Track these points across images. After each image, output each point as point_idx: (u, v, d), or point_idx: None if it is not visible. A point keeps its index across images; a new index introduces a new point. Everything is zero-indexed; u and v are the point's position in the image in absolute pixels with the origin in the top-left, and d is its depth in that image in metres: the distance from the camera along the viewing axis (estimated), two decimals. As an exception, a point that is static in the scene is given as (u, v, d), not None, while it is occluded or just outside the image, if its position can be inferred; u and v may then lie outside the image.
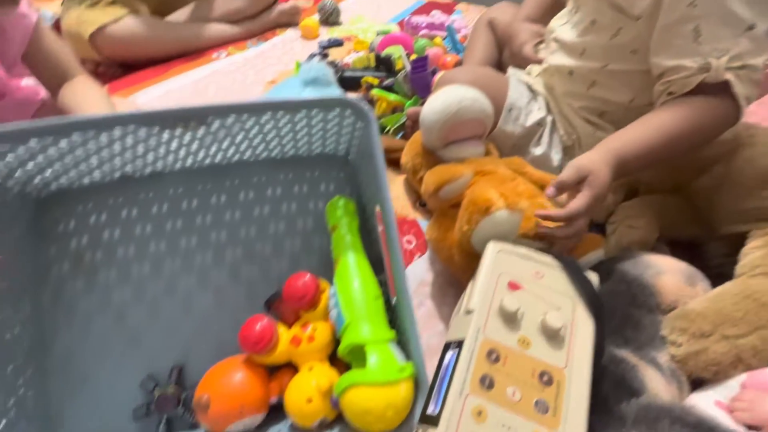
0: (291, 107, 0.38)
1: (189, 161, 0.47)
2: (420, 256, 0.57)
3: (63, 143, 0.37)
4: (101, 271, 0.45)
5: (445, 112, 0.55)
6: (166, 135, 0.40)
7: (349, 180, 0.51)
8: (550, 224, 0.43)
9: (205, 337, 0.45)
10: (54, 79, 0.62)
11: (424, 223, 0.62)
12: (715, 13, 0.46)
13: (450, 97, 0.55)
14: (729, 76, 0.45)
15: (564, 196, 0.49)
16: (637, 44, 0.55)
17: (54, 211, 0.45)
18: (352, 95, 0.89)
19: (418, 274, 0.55)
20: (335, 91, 0.61)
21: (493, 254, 0.39)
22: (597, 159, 0.44)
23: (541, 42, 0.71)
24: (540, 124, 0.65)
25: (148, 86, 0.88)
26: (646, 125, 0.48)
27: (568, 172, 0.44)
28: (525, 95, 0.66)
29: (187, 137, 0.41)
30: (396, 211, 0.64)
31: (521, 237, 0.45)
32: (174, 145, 0.42)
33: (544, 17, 0.71)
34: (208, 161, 0.47)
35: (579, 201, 0.42)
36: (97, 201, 0.46)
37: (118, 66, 0.92)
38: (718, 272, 0.47)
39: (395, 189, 0.68)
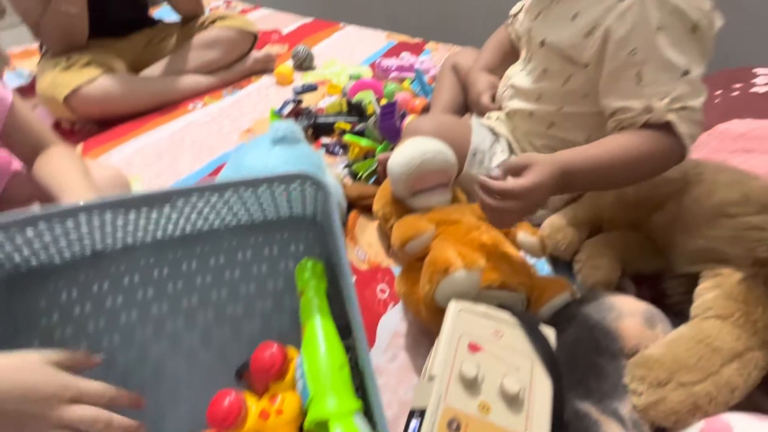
0: (251, 184, 0.40)
1: (159, 234, 0.47)
2: (394, 306, 0.58)
3: (29, 232, 0.38)
4: (71, 345, 0.45)
5: (410, 165, 0.57)
6: (133, 215, 0.41)
7: (318, 239, 0.52)
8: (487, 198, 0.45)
9: (177, 404, 0.44)
10: (29, 151, 0.63)
11: (398, 270, 0.64)
12: (654, 59, 0.50)
13: (414, 151, 0.58)
14: (671, 116, 0.49)
15: (533, 240, 0.53)
16: (587, 89, 0.59)
17: (24, 293, 0.45)
18: (326, 140, 0.92)
19: (392, 325, 0.56)
20: (304, 148, 0.63)
21: (454, 314, 0.40)
22: (546, 158, 0.47)
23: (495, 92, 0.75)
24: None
25: (123, 142, 0.89)
26: (596, 144, 0.51)
27: (517, 159, 0.47)
28: (488, 138, 0.69)
29: (155, 214, 0.43)
30: (369, 258, 0.66)
31: (485, 289, 0.46)
32: (142, 222, 0.43)
33: (501, 66, 0.75)
34: (178, 232, 0.48)
35: (517, 182, 0.44)
36: (68, 278, 0.46)
37: (93, 123, 0.93)
38: (680, 309, 0.49)
39: (369, 236, 0.69)
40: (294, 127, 0.64)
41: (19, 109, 0.60)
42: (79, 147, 0.88)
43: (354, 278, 0.61)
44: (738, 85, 0.84)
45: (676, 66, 0.49)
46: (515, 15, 0.75)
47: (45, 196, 0.58)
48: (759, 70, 0.87)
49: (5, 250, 0.39)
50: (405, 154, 0.58)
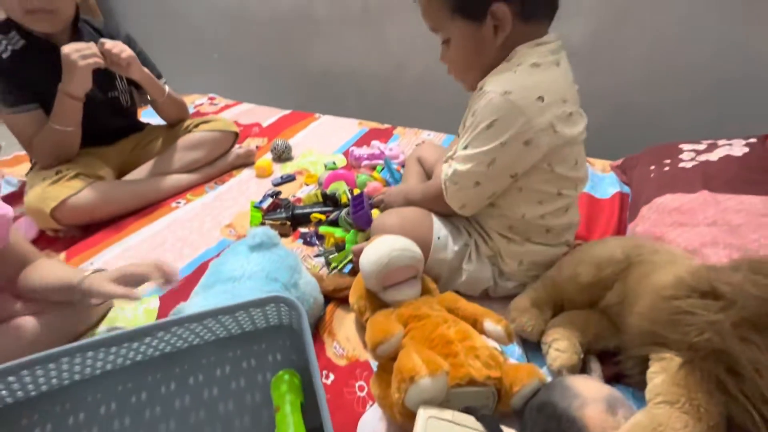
0: (230, 311, 0.44)
1: (139, 357, 0.49)
2: (372, 404, 0.59)
3: (11, 378, 0.40)
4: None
5: (378, 264, 0.62)
6: (113, 348, 0.43)
7: (293, 346, 0.54)
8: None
9: None
10: (13, 269, 0.66)
11: (375, 364, 0.65)
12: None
13: (381, 250, 0.63)
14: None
15: (499, 329, 0.58)
16: (513, 170, 0.65)
17: (-3, 429, 0.45)
18: (304, 229, 0.97)
19: (371, 425, 0.57)
20: (280, 252, 0.68)
21: (423, 422, 0.42)
22: (396, 188, 0.88)
23: None
24: (466, 244, 0.74)
25: (107, 247, 0.92)
26: (421, 186, 0.82)
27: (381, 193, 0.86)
28: (447, 225, 0.75)
29: (135, 344, 0.45)
30: (347, 353, 0.68)
31: (454, 387, 0.49)
32: (123, 350, 0.46)
33: None
34: (157, 353, 0.50)
35: (379, 196, 0.87)
36: (43, 411, 0.47)
37: (77, 228, 0.97)
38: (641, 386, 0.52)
39: (346, 329, 0.72)
40: (270, 233, 0.68)
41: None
42: (62, 255, 0.90)
43: (332, 379, 0.63)
44: (667, 161, 0.95)
45: (463, 143, 0.65)
46: None
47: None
48: (684, 146, 0.98)
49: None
50: (373, 253, 0.63)
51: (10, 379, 0.39)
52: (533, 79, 0.59)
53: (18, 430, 0.46)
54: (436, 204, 0.73)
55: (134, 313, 0.76)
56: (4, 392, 0.42)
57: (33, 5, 0.87)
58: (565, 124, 0.61)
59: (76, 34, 0.99)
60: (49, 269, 0.66)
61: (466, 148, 0.64)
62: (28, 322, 0.63)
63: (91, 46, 0.90)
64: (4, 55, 0.92)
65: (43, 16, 0.90)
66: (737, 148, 0.90)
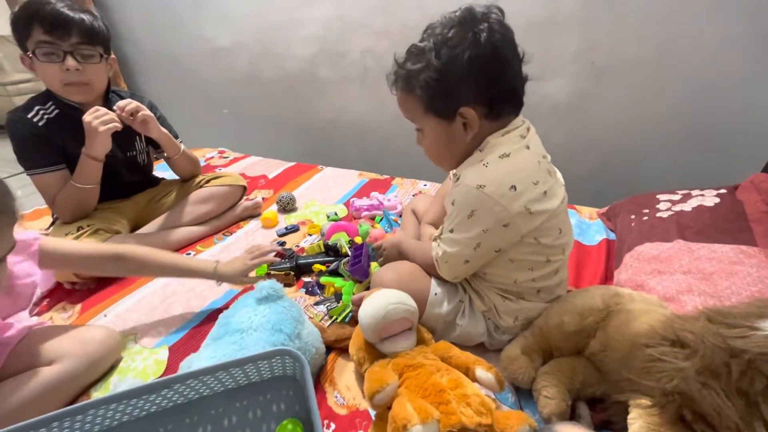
0: (240, 364, 0.48)
1: (153, 408, 0.53)
2: (372, 454, 0.62)
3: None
4: None
5: (376, 317, 0.67)
6: (133, 400, 0.48)
7: (297, 396, 0.58)
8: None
9: None
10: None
11: (374, 413, 0.68)
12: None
13: (378, 304, 0.68)
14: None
15: (490, 377, 0.62)
16: (497, 248, 0.70)
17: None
18: (307, 278, 1.02)
19: (371, 476, 0.59)
20: (285, 303, 0.72)
21: (418, 469, 0.45)
22: (391, 240, 0.90)
23: None
24: (461, 300, 0.78)
25: (119, 299, 0.97)
26: (413, 245, 0.85)
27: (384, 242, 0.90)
28: (445, 283, 0.80)
29: (152, 396, 0.49)
30: (347, 402, 0.71)
31: (446, 434, 0.52)
32: (140, 402, 0.50)
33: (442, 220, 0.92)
34: (170, 405, 0.54)
35: (380, 242, 0.91)
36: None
37: (92, 280, 1.02)
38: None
39: (347, 378, 0.75)
40: (276, 286, 0.74)
41: (44, 245, 0.72)
42: (78, 307, 0.95)
43: (333, 428, 0.65)
44: (646, 211, 1.02)
45: (448, 227, 0.70)
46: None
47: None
48: (661, 196, 1.06)
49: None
50: (371, 307, 0.68)
51: (42, 431, 0.43)
52: (504, 171, 0.64)
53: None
54: (426, 268, 0.79)
55: (144, 363, 0.79)
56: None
57: (70, 79, 0.99)
58: (540, 203, 0.65)
59: (106, 103, 1.11)
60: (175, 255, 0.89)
61: (452, 231, 0.70)
62: (47, 371, 0.67)
63: (108, 112, 1.01)
64: (40, 123, 1.03)
65: (79, 89, 1.02)
66: (709, 198, 0.97)
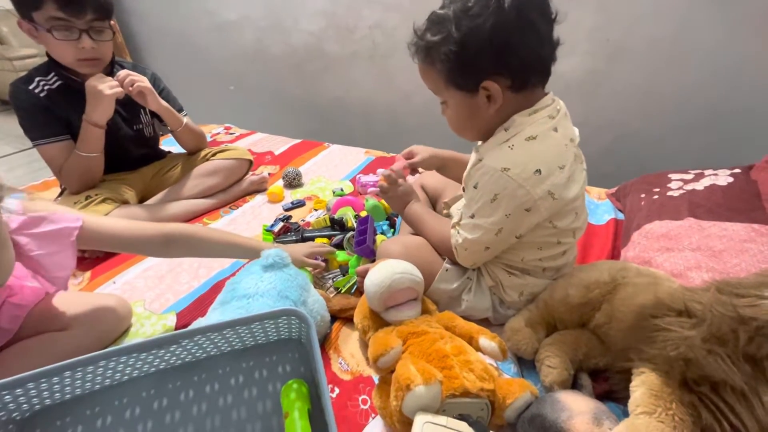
0: (246, 322, 0.49)
1: (162, 365, 0.54)
2: (374, 417, 0.63)
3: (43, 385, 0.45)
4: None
5: (381, 285, 0.67)
6: (143, 355, 0.49)
7: (302, 359, 0.59)
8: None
9: None
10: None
11: (377, 378, 0.69)
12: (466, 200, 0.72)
13: (384, 273, 0.68)
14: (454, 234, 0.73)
15: (494, 345, 0.62)
16: (518, 233, 0.69)
17: (33, 430, 0.50)
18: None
19: (374, 437, 0.60)
20: (291, 271, 0.73)
21: (420, 426, 0.46)
22: (403, 190, 0.85)
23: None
24: (469, 278, 0.78)
25: (128, 267, 0.98)
26: (433, 215, 0.83)
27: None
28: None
29: (161, 351, 0.50)
30: (351, 368, 0.72)
31: (448, 398, 0.53)
32: (150, 358, 0.51)
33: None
34: (179, 362, 0.55)
35: (382, 182, 0.86)
36: (75, 413, 0.51)
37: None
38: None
39: (351, 346, 0.76)
40: (282, 254, 0.74)
41: (87, 224, 0.64)
42: (88, 273, 0.97)
43: (337, 393, 0.67)
44: (657, 189, 1.00)
45: (469, 212, 0.69)
46: None
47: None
48: (672, 175, 1.04)
49: (24, 398, 0.45)
50: (377, 276, 0.68)
51: (54, 380, 0.45)
52: (530, 154, 0.62)
53: (52, 429, 0.50)
54: (436, 245, 0.79)
55: (153, 328, 0.81)
56: (45, 393, 0.48)
57: (85, 54, 0.99)
58: (564, 188, 0.64)
59: (110, 75, 1.10)
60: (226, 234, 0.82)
61: (473, 216, 0.68)
62: (59, 336, 0.68)
63: (111, 79, 1.02)
64: (41, 94, 1.03)
65: (91, 63, 1.02)
66: (722, 178, 0.95)
